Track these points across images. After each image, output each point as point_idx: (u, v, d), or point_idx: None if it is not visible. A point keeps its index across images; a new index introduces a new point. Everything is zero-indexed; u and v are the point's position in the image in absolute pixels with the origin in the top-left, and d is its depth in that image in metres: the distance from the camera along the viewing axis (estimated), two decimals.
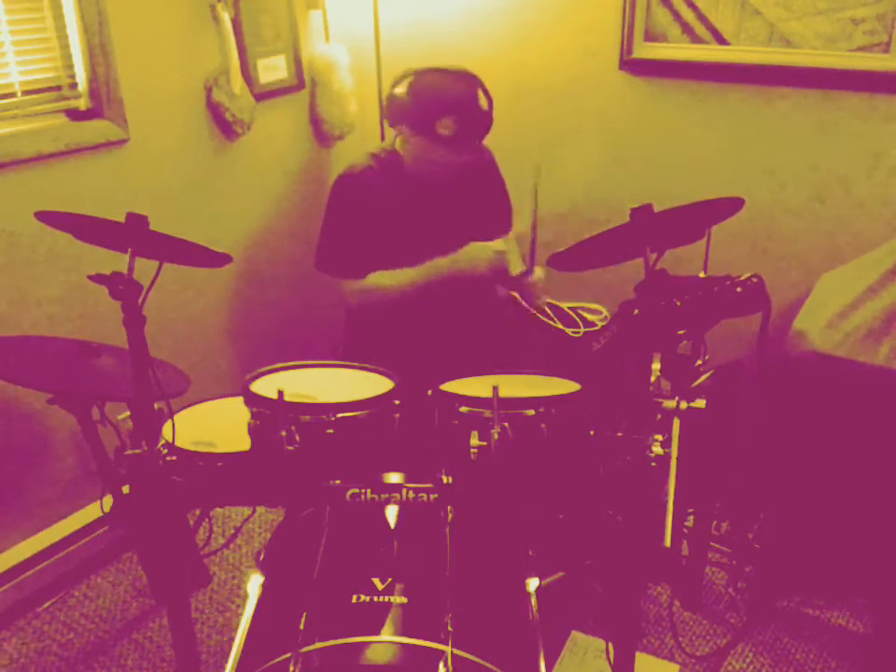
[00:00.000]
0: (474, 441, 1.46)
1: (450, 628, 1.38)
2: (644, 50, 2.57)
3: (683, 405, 1.48)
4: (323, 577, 1.52)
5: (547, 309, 2.32)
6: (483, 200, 2.39)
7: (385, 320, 2.27)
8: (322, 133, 2.90)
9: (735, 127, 2.54)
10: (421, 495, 1.49)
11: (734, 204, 1.48)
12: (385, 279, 2.22)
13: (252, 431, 1.55)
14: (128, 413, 1.61)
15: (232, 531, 2.55)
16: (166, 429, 1.56)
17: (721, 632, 2.19)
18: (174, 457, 1.58)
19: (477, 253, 2.23)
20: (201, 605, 2.29)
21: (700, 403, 1.59)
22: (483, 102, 2.14)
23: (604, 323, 2.38)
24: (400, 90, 2.15)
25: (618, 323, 1.74)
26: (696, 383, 1.69)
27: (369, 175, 2.22)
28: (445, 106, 2.10)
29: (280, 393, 1.45)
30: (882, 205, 2.40)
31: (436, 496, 1.50)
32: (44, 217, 1.54)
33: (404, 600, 1.46)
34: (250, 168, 2.71)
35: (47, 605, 2.29)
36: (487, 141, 2.39)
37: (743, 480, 2.34)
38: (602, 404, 1.58)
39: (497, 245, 2.26)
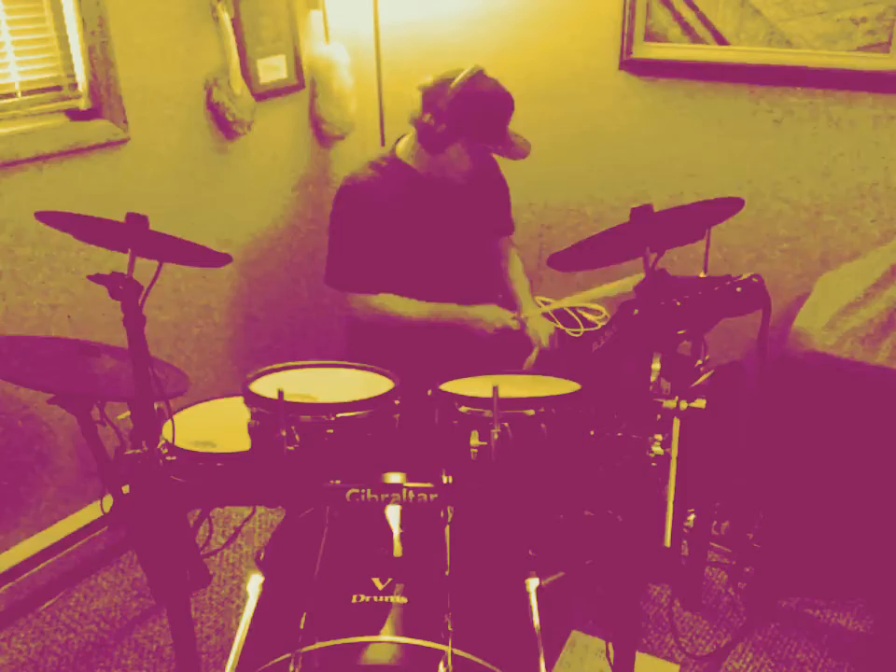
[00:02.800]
0: (474, 441, 1.47)
1: (450, 628, 1.38)
2: (644, 50, 2.57)
3: (683, 405, 1.47)
4: (323, 577, 1.52)
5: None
6: (487, 200, 2.39)
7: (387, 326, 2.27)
8: (322, 133, 2.90)
9: (734, 127, 2.54)
10: (421, 495, 1.49)
11: (733, 204, 1.49)
12: (395, 305, 2.22)
13: (252, 431, 1.55)
14: (128, 412, 1.60)
15: (232, 531, 2.55)
16: (166, 429, 1.56)
17: (721, 632, 2.19)
18: (174, 457, 1.58)
19: (489, 315, 2.22)
20: (201, 605, 2.29)
21: (700, 403, 1.58)
22: None
23: (604, 323, 2.38)
24: (463, 89, 2.08)
25: (618, 323, 1.74)
26: (696, 383, 1.69)
27: (372, 184, 2.20)
28: (509, 103, 2.16)
29: (280, 393, 1.45)
30: (882, 205, 2.40)
31: (436, 496, 1.50)
32: (44, 217, 1.54)
33: (404, 600, 1.46)
34: (250, 168, 2.71)
35: (47, 605, 2.29)
36: None
37: (743, 480, 2.34)
38: (602, 404, 1.58)
39: (509, 317, 2.23)
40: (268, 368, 1.68)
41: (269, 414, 1.50)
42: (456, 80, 2.08)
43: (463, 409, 1.51)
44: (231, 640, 1.51)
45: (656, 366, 1.52)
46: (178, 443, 1.59)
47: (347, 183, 2.22)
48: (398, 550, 1.60)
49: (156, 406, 1.52)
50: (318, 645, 1.38)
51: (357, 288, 2.22)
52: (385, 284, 2.22)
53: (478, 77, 2.11)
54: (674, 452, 1.42)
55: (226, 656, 1.48)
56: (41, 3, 2.12)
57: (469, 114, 2.09)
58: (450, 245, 2.27)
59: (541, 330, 2.25)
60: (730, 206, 1.49)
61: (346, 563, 1.58)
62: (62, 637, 2.21)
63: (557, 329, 2.39)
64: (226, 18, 2.43)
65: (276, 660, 1.39)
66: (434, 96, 2.11)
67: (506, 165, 2.46)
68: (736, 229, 2.58)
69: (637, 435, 1.46)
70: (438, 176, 2.23)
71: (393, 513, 1.68)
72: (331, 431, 1.49)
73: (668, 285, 1.42)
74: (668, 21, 2.50)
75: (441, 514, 1.63)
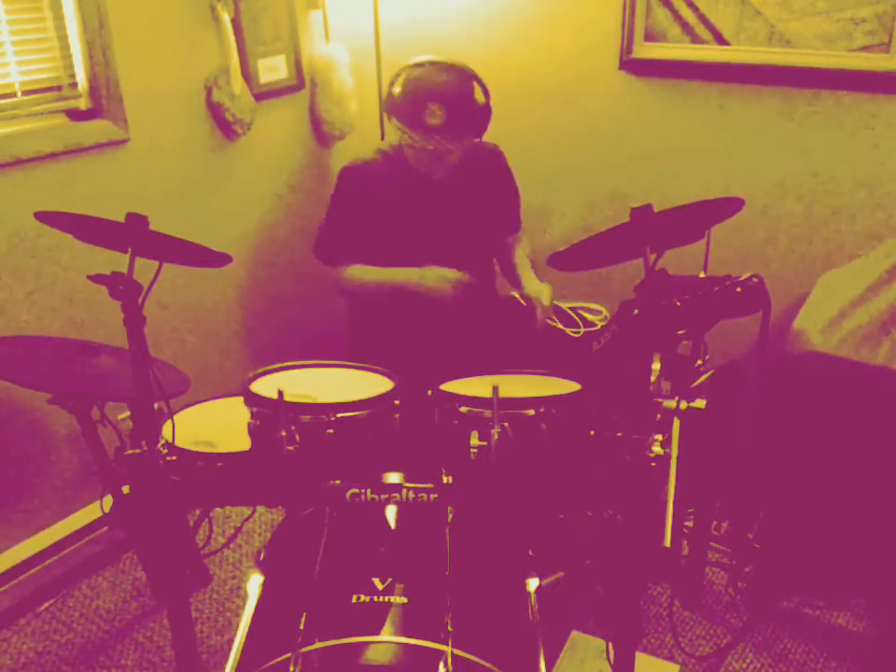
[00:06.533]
0: (474, 441, 1.47)
1: (450, 628, 1.38)
2: (644, 50, 2.57)
3: (683, 405, 1.48)
4: (323, 577, 1.52)
5: (553, 317, 2.30)
6: (490, 198, 2.37)
7: (385, 320, 2.27)
8: (322, 133, 2.90)
9: (734, 127, 2.54)
10: (421, 495, 1.49)
11: (734, 204, 1.49)
12: (359, 273, 2.28)
13: (252, 431, 1.55)
14: (128, 413, 1.60)
15: (232, 531, 2.55)
16: (166, 429, 1.56)
17: (721, 632, 2.19)
18: (174, 457, 1.58)
19: (444, 274, 2.20)
20: (201, 605, 2.29)
21: (700, 403, 1.59)
22: (476, 94, 2.14)
23: (604, 323, 2.38)
24: (396, 87, 2.16)
25: (618, 323, 1.74)
26: (696, 383, 1.69)
27: (372, 167, 2.26)
28: (431, 94, 2.09)
29: (280, 393, 1.45)
30: (881, 205, 2.40)
31: (436, 496, 1.50)
32: (44, 217, 1.54)
33: (404, 600, 1.46)
34: (250, 168, 2.71)
35: (47, 605, 2.29)
36: (492, 140, 2.39)
37: (743, 480, 2.34)
38: (602, 404, 1.58)
39: (451, 273, 2.19)
40: (268, 368, 1.68)
41: (269, 414, 1.50)
42: (405, 65, 2.15)
43: (463, 409, 1.51)
44: (231, 640, 1.51)
45: (656, 366, 1.52)
46: (178, 443, 1.59)
47: (349, 163, 2.30)
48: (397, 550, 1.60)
49: (156, 406, 1.52)
50: (318, 645, 1.38)
51: (335, 262, 2.30)
52: (367, 263, 2.28)
53: (420, 65, 2.14)
54: (674, 452, 1.42)
55: (226, 656, 1.47)
56: (41, 3, 2.12)
57: (399, 97, 2.14)
58: (438, 237, 2.27)
59: (543, 293, 2.23)
60: (730, 206, 1.49)
61: (346, 563, 1.58)
62: (62, 637, 2.21)
63: (557, 328, 2.39)
64: (226, 18, 2.43)
65: (276, 660, 1.39)
66: (388, 107, 2.21)
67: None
68: (736, 228, 2.58)
69: (637, 435, 1.46)
70: (427, 164, 2.24)
71: (393, 513, 1.68)
72: (331, 431, 1.50)
73: (668, 285, 1.42)
74: (668, 20, 2.50)
75: (441, 514, 1.63)
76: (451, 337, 2.20)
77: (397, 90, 2.15)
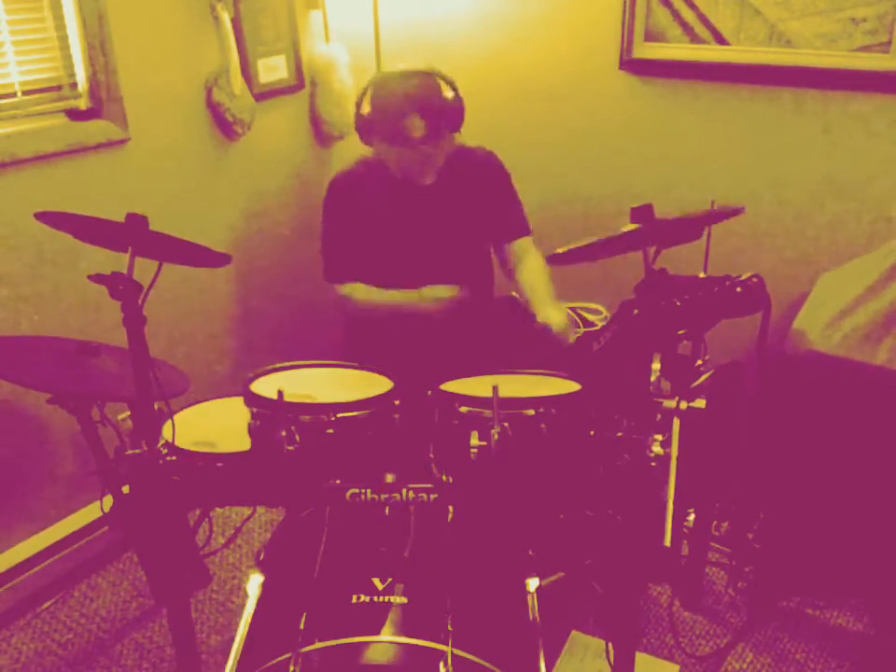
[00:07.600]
0: (474, 441, 1.46)
1: (450, 628, 1.38)
2: (644, 50, 2.57)
3: (683, 405, 1.47)
4: (323, 577, 1.52)
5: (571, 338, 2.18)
6: (483, 202, 2.34)
7: (383, 320, 2.27)
8: (322, 134, 2.91)
9: (735, 127, 2.54)
10: (421, 495, 1.49)
11: (734, 212, 1.48)
12: (359, 293, 2.27)
13: (252, 431, 1.55)
14: (128, 412, 1.60)
15: (232, 531, 2.55)
16: (166, 429, 1.56)
17: (721, 632, 2.19)
18: (174, 457, 1.58)
19: (439, 295, 2.21)
20: (201, 605, 2.29)
21: (700, 403, 1.58)
22: (445, 91, 2.12)
23: (604, 323, 2.37)
24: (364, 107, 2.13)
25: (618, 323, 1.74)
26: (696, 383, 1.69)
27: (355, 178, 2.26)
28: (404, 106, 2.06)
29: (280, 393, 1.45)
30: (881, 205, 2.40)
31: (436, 496, 1.50)
32: (44, 217, 1.54)
33: (404, 600, 1.46)
34: (250, 168, 2.71)
35: (47, 605, 2.29)
36: (489, 141, 2.38)
37: (743, 480, 2.34)
38: (602, 404, 1.58)
39: (452, 291, 2.21)
40: (268, 368, 1.68)
41: (269, 414, 1.50)
42: (368, 82, 2.14)
43: (463, 409, 1.51)
44: (231, 640, 1.51)
45: (656, 366, 1.52)
46: (178, 443, 1.59)
47: (335, 177, 2.29)
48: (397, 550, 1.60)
49: (156, 406, 1.52)
50: (318, 645, 1.38)
51: (336, 279, 2.28)
52: (361, 275, 2.27)
53: (384, 80, 2.12)
54: (674, 452, 1.42)
55: (226, 656, 1.48)
56: (41, 3, 2.12)
57: (371, 115, 2.12)
58: (428, 242, 2.26)
59: (552, 319, 2.09)
60: (730, 212, 1.49)
61: (346, 563, 1.58)
62: (62, 637, 2.21)
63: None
64: (226, 18, 2.43)
65: (276, 660, 1.39)
66: (362, 130, 2.18)
67: (507, 164, 2.45)
68: (736, 228, 2.58)
69: (637, 435, 1.46)
70: (412, 179, 2.22)
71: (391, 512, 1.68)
72: (331, 431, 1.50)
73: (668, 285, 1.42)
74: (668, 20, 2.51)
75: (441, 514, 1.63)
76: (450, 337, 2.20)
77: (366, 109, 2.12)
